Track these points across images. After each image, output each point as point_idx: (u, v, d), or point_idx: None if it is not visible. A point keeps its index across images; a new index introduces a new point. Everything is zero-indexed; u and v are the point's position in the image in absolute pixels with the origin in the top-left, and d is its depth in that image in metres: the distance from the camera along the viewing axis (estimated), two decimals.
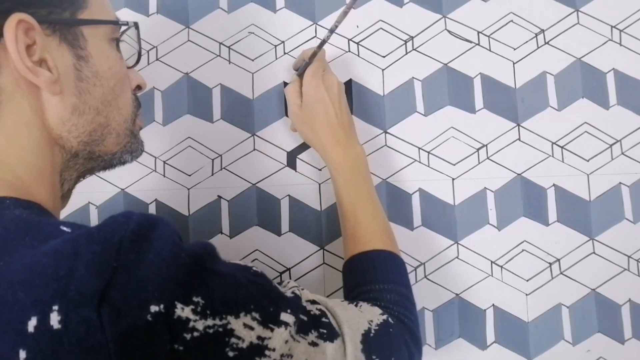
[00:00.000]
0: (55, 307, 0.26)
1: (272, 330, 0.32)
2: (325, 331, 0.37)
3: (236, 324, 0.31)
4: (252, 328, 0.31)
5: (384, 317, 0.42)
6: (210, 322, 0.30)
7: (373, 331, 0.40)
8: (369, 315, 0.42)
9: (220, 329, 0.30)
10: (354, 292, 0.47)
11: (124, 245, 0.29)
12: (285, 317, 0.34)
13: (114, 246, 0.28)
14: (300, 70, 0.56)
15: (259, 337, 0.31)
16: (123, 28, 0.43)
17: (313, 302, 0.39)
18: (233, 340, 0.30)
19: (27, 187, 0.36)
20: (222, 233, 0.61)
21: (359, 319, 0.41)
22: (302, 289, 0.40)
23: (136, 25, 0.44)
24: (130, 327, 0.27)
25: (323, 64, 0.56)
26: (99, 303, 0.26)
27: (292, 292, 0.37)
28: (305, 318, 0.36)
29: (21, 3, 0.34)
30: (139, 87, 0.46)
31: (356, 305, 0.43)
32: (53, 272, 0.27)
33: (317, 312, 0.38)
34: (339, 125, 0.53)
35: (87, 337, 0.26)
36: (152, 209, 0.61)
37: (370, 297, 0.45)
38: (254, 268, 0.36)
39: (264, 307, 0.33)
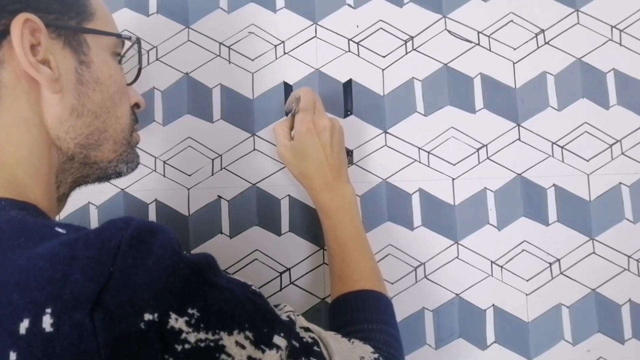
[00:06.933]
0: (49, 310, 0.26)
1: (263, 351, 0.32)
2: None
3: (228, 340, 0.30)
4: (243, 347, 0.31)
5: (376, 355, 0.42)
6: (202, 335, 0.29)
7: None
8: (360, 352, 0.42)
9: (212, 344, 0.29)
10: (342, 330, 0.47)
11: (122, 249, 0.28)
12: (278, 340, 0.33)
13: (111, 251, 0.28)
14: (293, 112, 0.55)
15: (249, 357, 0.31)
16: (126, 46, 0.45)
17: (307, 329, 0.39)
18: (223, 356, 0.30)
19: (22, 187, 0.36)
20: (222, 233, 0.61)
21: (350, 353, 0.40)
22: (298, 315, 0.39)
23: (138, 40, 0.45)
24: (123, 334, 0.27)
25: (318, 106, 0.55)
26: (92, 307, 0.26)
27: (288, 317, 0.37)
28: (297, 344, 0.36)
29: (31, 6, 0.36)
30: (137, 106, 0.47)
31: (349, 340, 0.43)
32: (49, 275, 0.27)
33: (310, 340, 0.37)
34: (328, 168, 0.53)
35: (78, 342, 0.26)
36: (152, 209, 0.61)
37: (360, 337, 0.45)
38: (252, 286, 0.36)
39: (259, 327, 0.32)
